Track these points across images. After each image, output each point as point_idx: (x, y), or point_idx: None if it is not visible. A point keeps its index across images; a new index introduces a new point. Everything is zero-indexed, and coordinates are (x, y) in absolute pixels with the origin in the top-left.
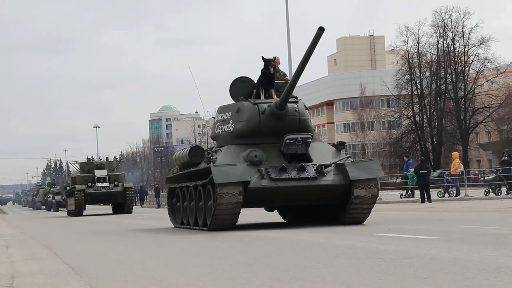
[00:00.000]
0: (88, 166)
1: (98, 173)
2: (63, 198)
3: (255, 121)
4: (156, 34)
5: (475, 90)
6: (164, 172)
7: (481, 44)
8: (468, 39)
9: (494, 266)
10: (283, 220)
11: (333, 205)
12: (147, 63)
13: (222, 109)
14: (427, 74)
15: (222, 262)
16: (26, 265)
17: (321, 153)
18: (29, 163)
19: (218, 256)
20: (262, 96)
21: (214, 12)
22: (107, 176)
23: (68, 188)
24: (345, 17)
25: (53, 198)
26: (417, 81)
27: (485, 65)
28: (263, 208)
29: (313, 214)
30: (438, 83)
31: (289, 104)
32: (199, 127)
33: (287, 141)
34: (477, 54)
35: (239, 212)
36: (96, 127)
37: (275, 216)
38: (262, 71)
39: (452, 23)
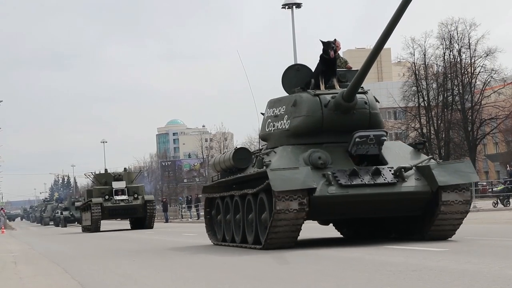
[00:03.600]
0: (105, 177)
1: (116, 185)
2: (71, 213)
3: (316, 115)
4: (160, 48)
5: (482, 102)
6: (172, 187)
7: (487, 55)
8: (475, 50)
9: (503, 278)
10: (339, 236)
11: (408, 217)
12: (152, 77)
13: (274, 103)
14: (434, 86)
15: (232, 276)
16: (35, 281)
17: (397, 153)
18: (37, 178)
19: (228, 270)
20: (322, 87)
21: (218, 25)
22: (126, 188)
23: (76, 202)
24: (350, 29)
25: (61, 213)
26: (424, 93)
27: (491, 76)
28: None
29: (380, 228)
30: (445, 95)
31: (357, 95)
32: (206, 141)
33: (357, 140)
34: (483, 65)
35: (301, 225)
36: (103, 142)
37: (328, 231)
38: (321, 56)
39: (458, 34)
